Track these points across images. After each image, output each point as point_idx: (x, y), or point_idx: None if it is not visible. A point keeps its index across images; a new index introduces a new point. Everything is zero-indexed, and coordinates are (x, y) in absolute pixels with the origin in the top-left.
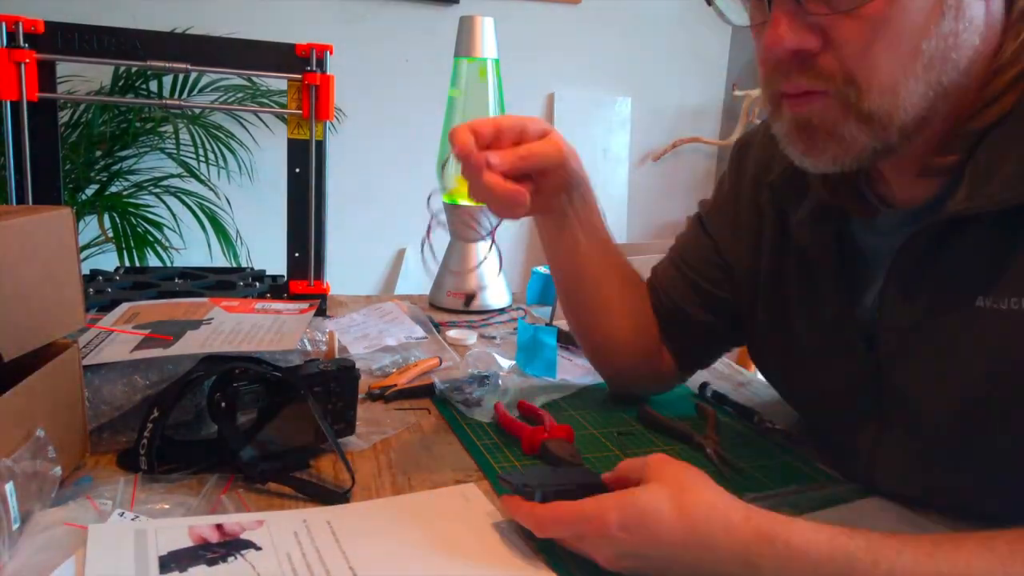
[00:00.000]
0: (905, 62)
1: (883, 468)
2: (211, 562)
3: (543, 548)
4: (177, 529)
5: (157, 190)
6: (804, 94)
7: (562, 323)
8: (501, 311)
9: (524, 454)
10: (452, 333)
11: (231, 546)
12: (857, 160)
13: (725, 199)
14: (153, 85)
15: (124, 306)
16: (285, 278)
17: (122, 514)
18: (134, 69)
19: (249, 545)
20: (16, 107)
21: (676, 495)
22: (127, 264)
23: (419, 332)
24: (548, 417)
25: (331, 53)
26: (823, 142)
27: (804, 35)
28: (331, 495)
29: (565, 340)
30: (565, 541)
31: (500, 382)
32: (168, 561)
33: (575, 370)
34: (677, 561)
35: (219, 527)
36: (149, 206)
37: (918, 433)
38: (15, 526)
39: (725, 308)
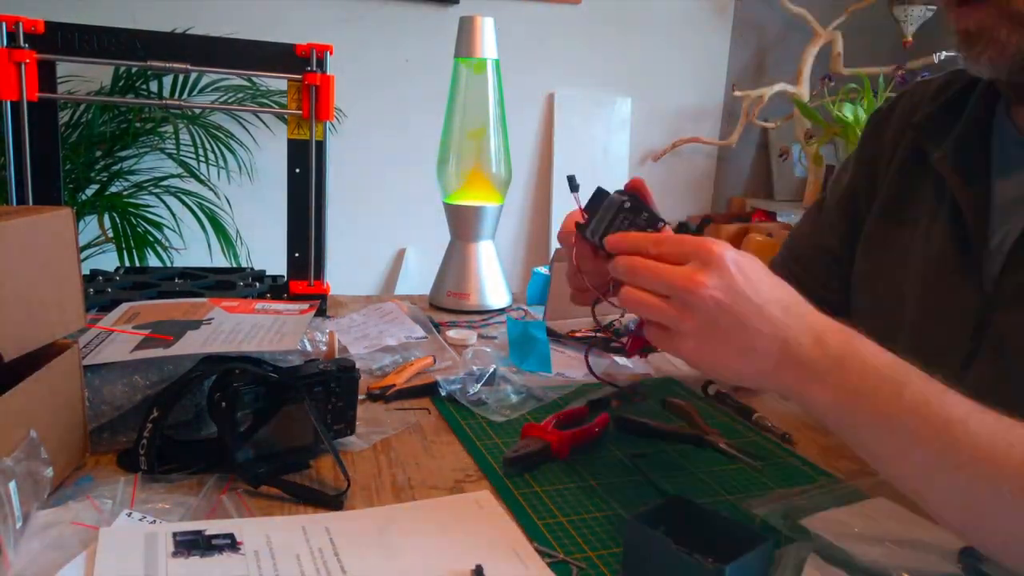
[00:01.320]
0: None
1: None
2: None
3: (557, 570)
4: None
5: (157, 190)
6: (964, 3)
7: (557, 323)
8: (501, 311)
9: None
10: (452, 333)
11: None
12: (1012, 62)
13: (854, 163)
14: (153, 85)
15: (124, 306)
16: (285, 278)
17: (130, 514)
18: (134, 69)
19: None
20: (16, 107)
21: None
22: (127, 264)
23: (419, 332)
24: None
25: (331, 53)
26: (981, 44)
27: None
28: (325, 499)
29: (554, 335)
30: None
31: (501, 380)
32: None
33: (570, 363)
34: (762, 317)
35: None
36: (149, 206)
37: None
38: (18, 525)
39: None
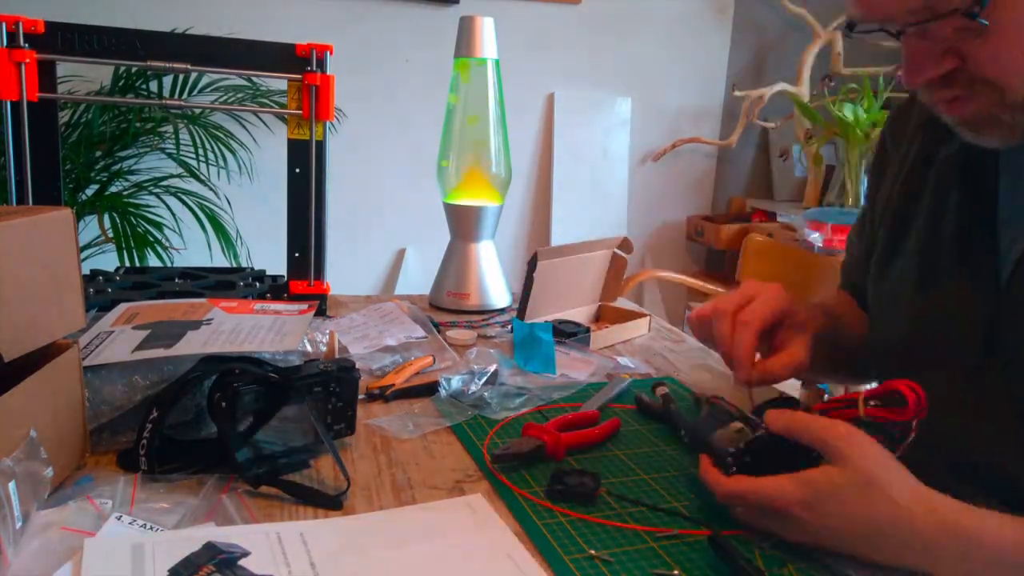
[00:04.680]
0: None
1: (975, 433)
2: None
3: (542, 549)
4: (173, 543)
5: (157, 190)
6: (955, 99)
7: (562, 315)
8: (501, 311)
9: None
10: (452, 333)
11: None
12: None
13: (879, 158)
14: (153, 85)
15: (123, 306)
16: (285, 278)
17: (119, 518)
18: (134, 69)
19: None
20: (16, 107)
21: (857, 480)
22: (127, 264)
23: (419, 332)
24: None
25: (331, 53)
26: (989, 129)
27: (939, 62)
28: (325, 499)
29: (560, 335)
30: (748, 513)
31: (503, 380)
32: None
33: (574, 364)
34: (855, 541)
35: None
36: (149, 206)
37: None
38: (18, 525)
39: None
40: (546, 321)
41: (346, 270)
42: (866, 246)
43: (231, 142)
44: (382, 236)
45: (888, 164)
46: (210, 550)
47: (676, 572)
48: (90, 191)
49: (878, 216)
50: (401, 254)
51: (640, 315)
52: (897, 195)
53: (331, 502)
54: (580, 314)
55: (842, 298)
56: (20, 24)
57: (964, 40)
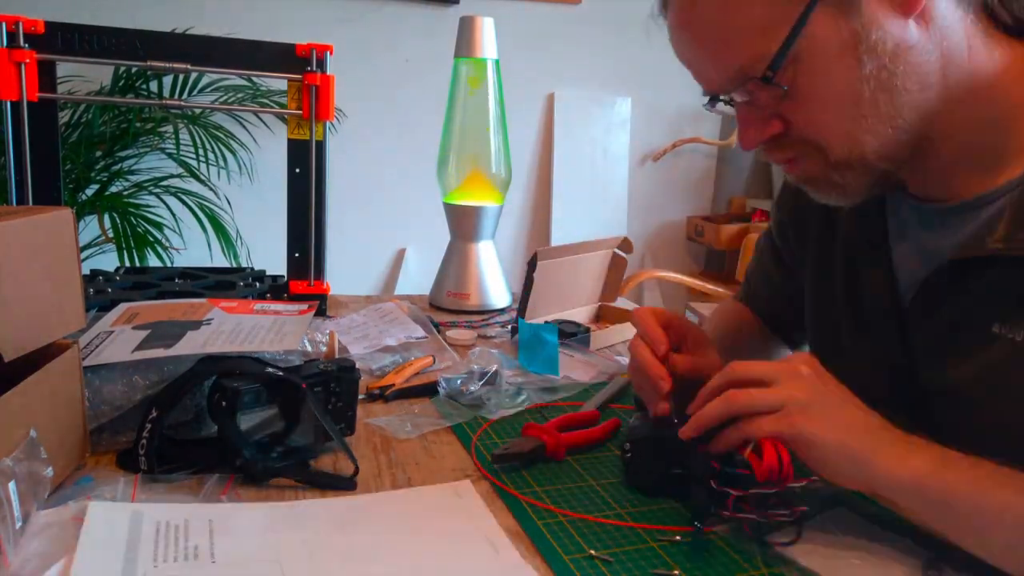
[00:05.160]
0: (849, 112)
1: None
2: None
3: (542, 549)
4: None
5: (157, 190)
6: (789, 160)
7: (562, 315)
8: (501, 311)
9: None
10: (452, 333)
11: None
12: (865, 193)
13: (787, 209)
14: (153, 85)
15: (122, 306)
16: (285, 278)
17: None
18: (134, 69)
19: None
20: (16, 107)
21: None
22: (127, 264)
23: (419, 332)
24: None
25: (331, 53)
26: (824, 188)
27: (766, 126)
28: (338, 481)
29: (561, 336)
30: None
31: (504, 380)
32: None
33: (576, 366)
34: (840, 413)
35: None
36: (149, 206)
37: (941, 432)
38: (18, 525)
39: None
40: (546, 321)
41: (346, 270)
42: (781, 284)
43: (231, 142)
44: (382, 236)
45: (785, 190)
46: None
47: (676, 572)
48: (90, 191)
49: (792, 244)
50: (401, 254)
51: None
52: (814, 249)
53: (346, 483)
54: (580, 314)
55: (736, 318)
56: (20, 24)
57: (782, 105)
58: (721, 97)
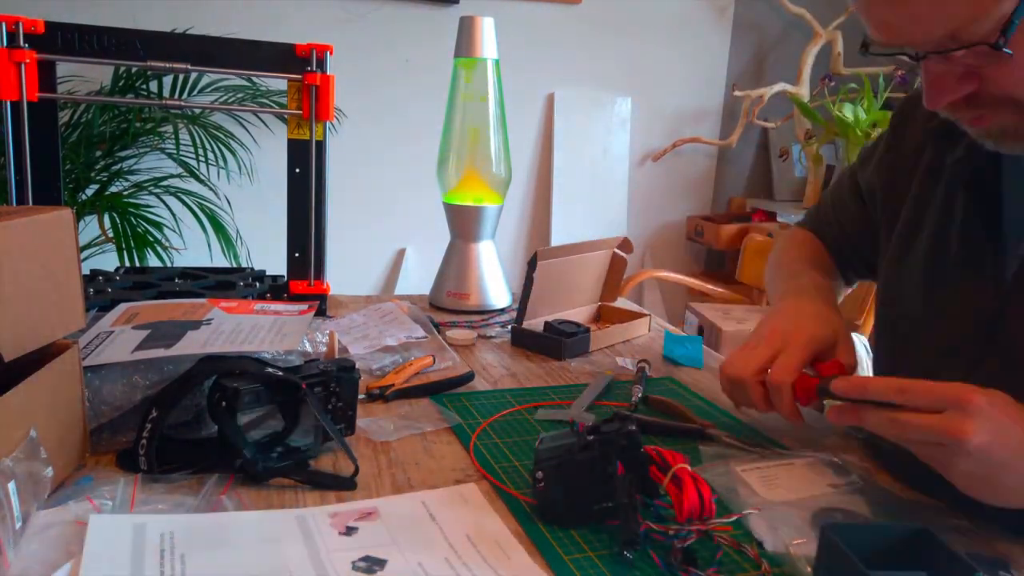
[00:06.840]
0: None
1: None
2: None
3: (543, 550)
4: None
5: (157, 190)
6: (978, 117)
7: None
8: (501, 311)
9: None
10: (452, 333)
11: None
12: None
13: (886, 147)
14: (153, 85)
15: (122, 306)
16: (285, 278)
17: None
18: (134, 69)
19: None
20: (16, 107)
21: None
22: (127, 264)
23: (419, 332)
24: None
25: (331, 53)
26: (1011, 141)
27: (960, 84)
28: (338, 481)
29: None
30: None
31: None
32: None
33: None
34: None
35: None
36: (149, 206)
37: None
38: (17, 525)
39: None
40: (555, 320)
41: (346, 270)
42: (854, 220)
43: (231, 142)
44: (382, 236)
45: (889, 151)
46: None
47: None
48: (90, 191)
49: (879, 204)
50: (401, 254)
51: (640, 315)
52: (911, 201)
53: (346, 483)
54: (580, 314)
55: (815, 249)
56: (20, 24)
57: (985, 64)
58: (905, 53)
